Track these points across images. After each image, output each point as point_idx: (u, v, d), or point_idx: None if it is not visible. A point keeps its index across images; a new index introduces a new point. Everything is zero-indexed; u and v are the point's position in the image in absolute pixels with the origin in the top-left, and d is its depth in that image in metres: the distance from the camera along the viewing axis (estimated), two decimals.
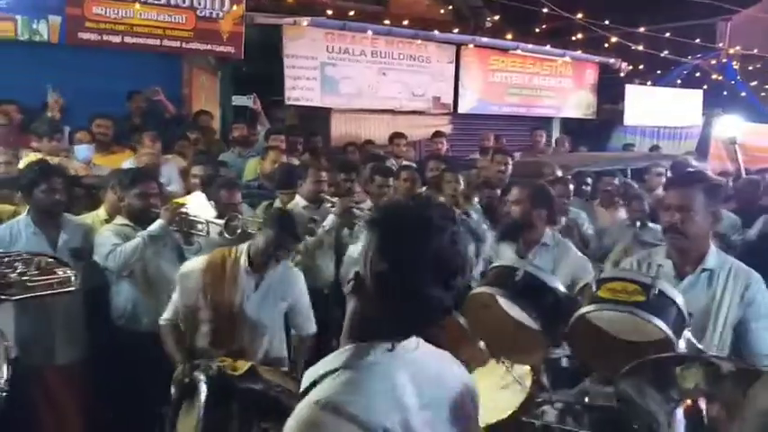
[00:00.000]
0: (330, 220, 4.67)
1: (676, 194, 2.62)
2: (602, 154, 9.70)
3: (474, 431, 1.49)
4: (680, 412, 1.52)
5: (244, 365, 3.02)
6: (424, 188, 6.07)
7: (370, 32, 9.31)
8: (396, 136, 7.96)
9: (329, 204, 4.80)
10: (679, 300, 2.17)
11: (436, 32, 9.97)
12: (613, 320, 2.23)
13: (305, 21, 8.56)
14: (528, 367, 2.65)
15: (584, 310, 2.18)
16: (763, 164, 11.27)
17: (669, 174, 6.28)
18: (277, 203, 5.04)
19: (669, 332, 2.05)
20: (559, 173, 5.93)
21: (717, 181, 6.59)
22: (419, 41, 9.85)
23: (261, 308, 3.41)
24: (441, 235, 1.32)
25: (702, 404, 1.51)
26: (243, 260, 3.41)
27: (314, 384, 1.34)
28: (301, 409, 1.29)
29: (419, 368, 1.38)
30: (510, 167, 6.10)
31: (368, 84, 9.46)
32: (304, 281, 3.66)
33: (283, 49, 8.56)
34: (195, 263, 3.49)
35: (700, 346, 2.19)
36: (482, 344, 2.58)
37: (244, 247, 3.46)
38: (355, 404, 1.26)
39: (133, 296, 4.00)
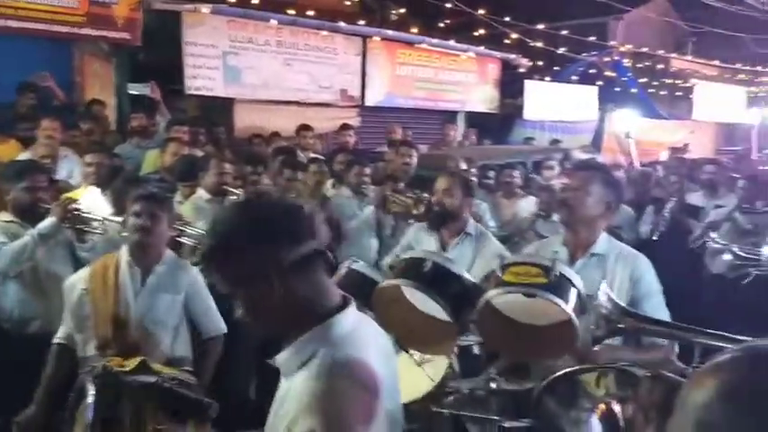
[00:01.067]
0: None
1: (575, 176, 2.78)
2: (505, 147, 9.97)
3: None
4: (594, 419, 1.54)
5: (134, 361, 2.88)
6: (331, 181, 6.03)
7: (274, 21, 9.11)
8: (303, 128, 7.84)
9: (234, 197, 4.63)
10: (577, 281, 2.26)
11: (342, 24, 9.89)
12: (518, 305, 2.30)
13: (205, 8, 8.27)
14: (443, 362, 2.66)
15: (490, 294, 2.23)
16: (654, 156, 11.96)
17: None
18: (178, 197, 4.81)
19: (570, 312, 2.14)
20: (463, 166, 6.01)
21: (618, 179, 6.91)
22: (325, 32, 9.74)
23: (152, 304, 3.24)
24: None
25: (617, 408, 1.53)
26: (125, 258, 3.24)
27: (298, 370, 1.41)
28: (306, 388, 1.34)
29: (370, 330, 1.53)
30: (415, 160, 6.14)
31: (273, 74, 9.27)
32: (200, 275, 3.47)
33: (183, 37, 8.23)
34: (79, 273, 3.34)
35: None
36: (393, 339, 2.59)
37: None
38: (351, 368, 1.37)
39: (21, 298, 3.72)
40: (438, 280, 2.35)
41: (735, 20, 16.55)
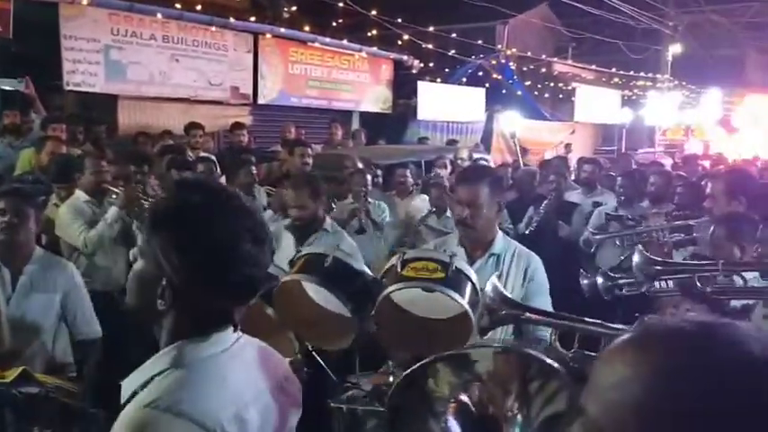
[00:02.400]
0: (112, 212, 4.29)
1: (465, 190, 2.79)
2: (399, 147, 10.08)
3: (296, 414, 1.50)
4: (451, 420, 1.57)
5: (14, 371, 2.68)
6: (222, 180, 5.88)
7: (159, 15, 8.77)
8: (192, 126, 7.59)
9: (114, 196, 4.40)
10: (473, 276, 2.33)
11: (232, 20, 9.67)
12: (416, 299, 2.34)
13: None
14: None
15: (390, 289, 2.25)
16: (539, 156, 12.48)
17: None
18: (54, 199, 4.53)
19: (466, 305, 2.20)
20: (360, 165, 6.04)
21: (500, 174, 7.15)
22: (214, 28, 9.48)
23: (26, 306, 3.05)
24: (231, 219, 1.31)
25: (464, 397, 1.56)
26: None
27: (138, 390, 1.27)
28: (128, 414, 1.22)
29: (246, 358, 1.38)
30: (311, 159, 6.11)
31: (159, 70, 8.92)
32: (77, 274, 3.30)
33: (60, 30, 7.76)
34: None
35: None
36: (291, 334, 2.59)
37: None
38: (188, 402, 1.22)
39: None
40: (338, 275, 2.37)
41: (611, 27, 17.63)
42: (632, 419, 0.75)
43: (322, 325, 2.49)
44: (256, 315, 2.43)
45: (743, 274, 2.62)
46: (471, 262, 2.78)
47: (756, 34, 21.53)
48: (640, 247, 2.82)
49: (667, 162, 10.78)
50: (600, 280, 2.85)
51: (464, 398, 1.60)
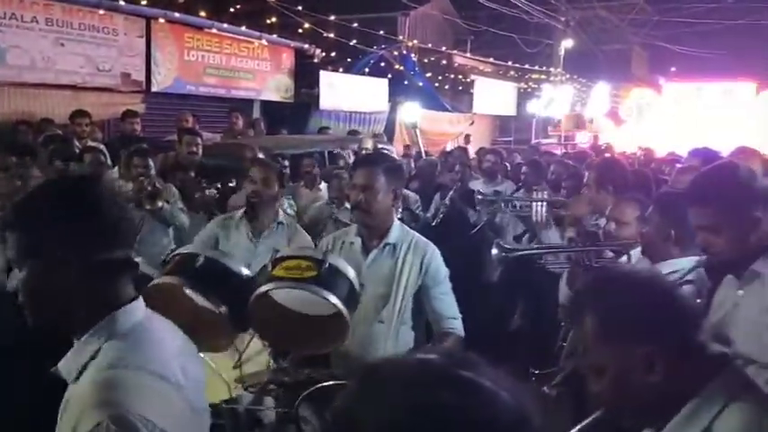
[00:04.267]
0: None
1: (360, 174, 2.74)
2: (301, 137, 9.93)
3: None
4: None
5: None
6: (114, 170, 5.56)
7: None
8: (77, 114, 7.11)
9: None
10: (350, 273, 2.30)
11: (122, 3, 9.17)
12: (291, 298, 2.32)
13: None
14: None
15: (260, 290, 2.22)
16: (440, 146, 12.69)
17: None
18: None
19: (340, 305, 2.18)
20: (261, 155, 5.87)
21: (399, 163, 7.19)
22: (102, 11, 8.95)
23: None
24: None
25: None
26: None
27: (82, 370, 1.31)
28: (89, 382, 1.25)
29: (162, 321, 1.49)
30: (200, 149, 5.88)
31: (42, 55, 8.34)
32: None
33: None
34: None
35: None
36: None
37: None
38: (143, 360, 1.29)
39: None
40: (212, 276, 2.29)
41: (507, 22, 18.15)
42: None
43: (199, 325, 2.33)
44: None
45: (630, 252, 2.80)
46: (367, 252, 2.76)
47: (641, 31, 22.80)
48: (499, 241, 2.96)
49: (560, 152, 11.25)
50: (494, 251, 2.92)
51: None
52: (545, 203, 4.85)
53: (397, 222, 2.85)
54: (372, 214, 2.72)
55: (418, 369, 0.79)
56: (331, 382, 2.24)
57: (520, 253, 3.00)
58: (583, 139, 18.51)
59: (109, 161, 5.55)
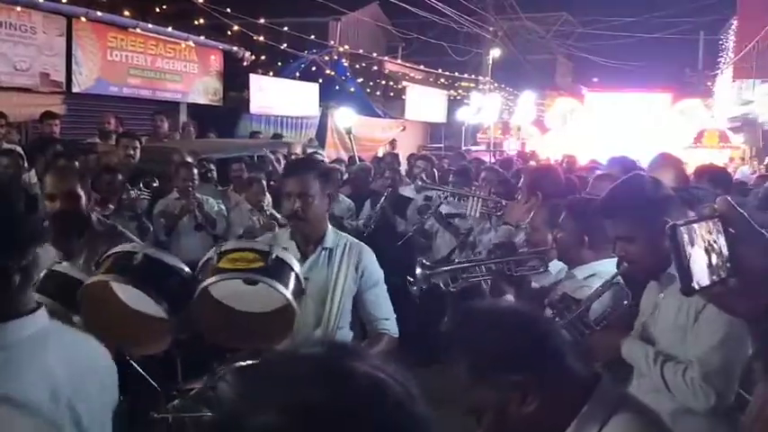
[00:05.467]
0: None
1: (295, 182, 2.71)
2: (230, 141, 9.77)
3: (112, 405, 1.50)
4: None
5: None
6: (31, 173, 5.33)
7: None
8: None
9: None
10: (295, 266, 2.29)
11: (41, 0, 8.80)
12: (236, 293, 2.27)
13: None
14: None
15: (206, 282, 2.17)
16: (372, 152, 12.74)
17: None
18: None
19: (288, 294, 2.16)
20: (189, 159, 5.74)
21: (332, 167, 7.14)
22: (20, 8, 8.56)
23: None
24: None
25: None
26: None
27: None
28: None
29: (63, 340, 1.41)
30: (138, 152, 5.74)
31: None
32: None
33: None
34: None
35: None
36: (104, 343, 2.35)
37: None
38: (4, 383, 1.24)
39: None
40: (151, 273, 2.22)
41: (437, 30, 18.43)
42: None
43: (135, 329, 2.33)
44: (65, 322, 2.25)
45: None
46: (304, 258, 2.73)
47: (565, 42, 23.59)
48: (422, 260, 3.00)
49: (489, 159, 11.50)
50: (418, 270, 2.94)
51: None
52: (480, 202, 4.88)
53: (330, 227, 2.85)
54: (309, 221, 2.71)
55: (292, 365, 0.77)
56: None
57: (443, 269, 3.02)
58: (511, 147, 18.97)
59: (26, 164, 5.33)
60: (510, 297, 2.80)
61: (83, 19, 9.51)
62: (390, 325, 2.74)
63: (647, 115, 18.65)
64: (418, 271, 3.02)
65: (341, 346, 0.81)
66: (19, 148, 5.87)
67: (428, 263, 3.06)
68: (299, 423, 0.70)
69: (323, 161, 3.64)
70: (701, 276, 0.91)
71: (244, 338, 2.35)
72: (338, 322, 2.69)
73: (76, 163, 5.07)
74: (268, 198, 5.35)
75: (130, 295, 2.27)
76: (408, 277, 3.00)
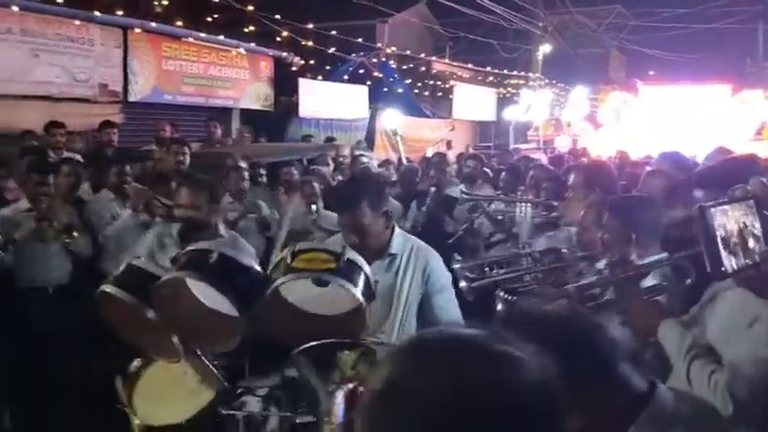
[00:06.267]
0: None
1: (347, 218, 2.69)
2: (279, 145, 9.93)
3: None
4: (340, 395, 1.55)
5: None
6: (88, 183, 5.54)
7: (15, 8, 8.13)
8: (52, 125, 7.08)
9: None
10: (366, 268, 2.27)
11: (98, 13, 9.13)
12: (306, 295, 2.27)
13: None
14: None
15: (279, 280, 2.17)
16: (421, 152, 12.73)
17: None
18: None
19: (360, 296, 2.14)
20: (242, 164, 5.86)
21: (380, 181, 7.19)
22: (78, 22, 8.90)
23: None
24: None
25: (360, 388, 1.55)
26: None
27: None
28: None
29: None
30: (188, 158, 5.89)
31: (17, 66, 8.27)
32: None
33: None
34: None
35: None
36: (175, 339, 2.42)
37: None
38: None
39: None
40: (225, 271, 2.24)
41: (485, 28, 18.29)
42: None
43: (208, 326, 2.37)
44: (135, 318, 2.33)
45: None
46: (369, 262, 2.63)
47: (618, 35, 23.06)
48: (464, 272, 2.92)
49: (540, 157, 11.33)
50: (462, 283, 2.89)
51: (360, 389, 1.59)
52: (529, 206, 4.80)
53: (397, 231, 2.80)
54: (369, 245, 2.66)
55: (461, 342, 0.85)
56: None
57: (485, 281, 2.94)
58: (562, 144, 18.67)
59: (84, 172, 5.53)
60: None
61: (138, 30, 9.83)
62: None
63: (705, 108, 18.06)
64: (462, 284, 2.98)
65: (494, 330, 0.88)
66: (78, 157, 6.11)
67: (471, 275, 3.01)
68: (467, 390, 0.78)
69: (365, 178, 3.53)
70: (733, 259, 0.89)
71: (312, 339, 2.32)
72: (404, 328, 2.66)
73: (128, 168, 5.27)
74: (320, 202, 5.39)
75: (204, 292, 2.31)
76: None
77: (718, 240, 0.86)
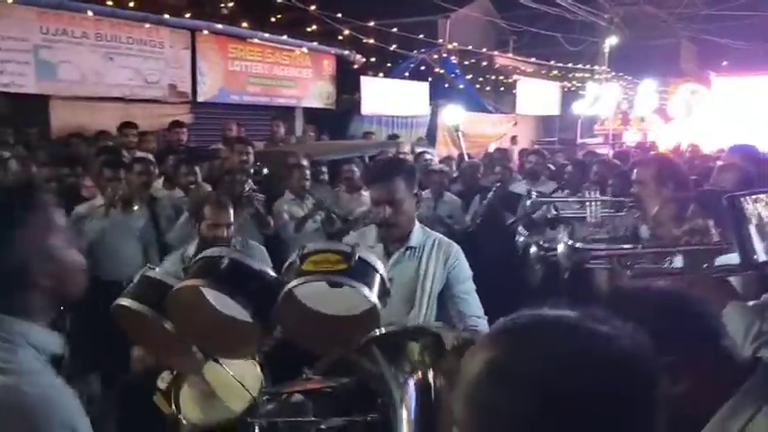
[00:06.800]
0: None
1: (381, 189, 2.71)
2: (341, 142, 10.03)
3: None
4: (411, 384, 1.56)
5: None
6: (161, 180, 5.75)
7: (90, 13, 8.49)
8: (125, 126, 7.38)
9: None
10: (380, 267, 2.23)
11: (167, 16, 9.43)
12: (320, 296, 2.23)
13: None
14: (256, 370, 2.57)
15: (290, 284, 2.12)
16: (483, 148, 12.63)
17: None
18: None
19: (373, 297, 2.11)
20: (305, 162, 5.96)
21: (413, 164, 7.20)
22: (149, 25, 9.23)
23: None
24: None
25: (430, 376, 1.56)
26: None
27: None
28: None
29: None
30: (252, 157, 6.03)
31: (93, 69, 8.64)
32: None
33: None
34: None
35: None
36: (195, 348, 2.43)
37: None
38: None
39: None
40: (237, 277, 2.21)
41: (549, 21, 17.94)
42: (467, 413, 0.86)
43: (226, 334, 2.33)
44: (154, 330, 2.30)
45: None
46: (388, 255, 2.73)
47: (689, 25, 22.22)
48: (564, 237, 2.82)
49: (607, 152, 11.06)
50: (533, 249, 2.83)
51: (431, 376, 1.60)
52: (598, 204, 4.66)
53: (418, 225, 2.83)
54: (401, 226, 2.72)
55: (559, 323, 0.90)
56: None
57: (598, 252, 2.79)
58: (630, 138, 18.15)
59: (156, 171, 5.74)
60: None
61: (205, 32, 10.10)
62: (481, 323, 2.68)
63: None
64: (533, 250, 2.91)
65: (592, 311, 0.92)
66: (150, 156, 6.34)
67: (545, 243, 2.93)
68: (571, 367, 0.83)
69: (402, 160, 3.53)
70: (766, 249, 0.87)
71: (328, 341, 2.34)
72: (427, 319, 2.68)
73: (197, 168, 5.44)
74: None
75: (219, 300, 2.27)
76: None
77: (751, 230, 0.86)
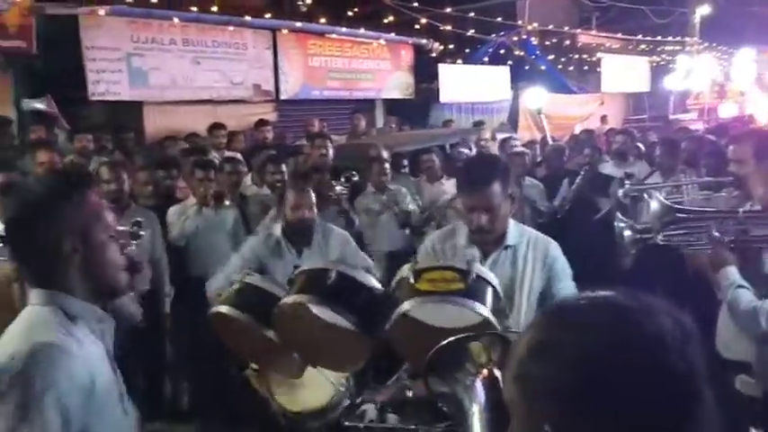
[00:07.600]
0: None
1: (478, 197, 2.56)
2: (421, 132, 10.00)
3: None
4: (479, 383, 1.56)
5: None
6: (249, 178, 5.93)
7: (176, 20, 8.84)
8: (214, 127, 7.65)
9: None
10: (494, 281, 2.18)
11: (249, 18, 9.70)
12: (433, 311, 2.15)
13: (102, 9, 7.93)
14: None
15: (405, 307, 2.07)
16: (568, 130, 12.31)
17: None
18: None
19: (490, 316, 2.04)
20: (386, 154, 6.00)
21: (505, 161, 7.09)
22: (232, 28, 9.52)
23: None
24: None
25: (497, 372, 1.55)
26: None
27: None
28: None
29: None
30: (330, 150, 6.12)
31: (181, 74, 9.00)
32: None
33: (82, 41, 7.87)
34: None
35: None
36: (296, 355, 2.46)
37: None
38: None
39: None
40: (344, 291, 2.18)
41: None
42: (517, 390, 0.91)
43: (332, 347, 2.31)
44: (252, 337, 2.34)
45: None
46: (485, 256, 2.65)
47: None
48: (657, 194, 2.72)
49: (700, 127, 10.53)
50: (627, 233, 2.75)
51: (497, 373, 1.60)
52: (695, 186, 4.41)
53: (512, 222, 2.72)
54: (495, 229, 2.60)
55: (607, 303, 0.93)
56: None
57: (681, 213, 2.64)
58: (727, 112, 17.19)
59: (246, 169, 5.93)
60: (732, 270, 2.54)
61: (285, 31, 10.32)
62: None
63: None
64: (627, 234, 2.83)
65: (631, 294, 0.94)
66: (239, 155, 6.55)
67: (639, 226, 2.86)
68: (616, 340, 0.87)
69: (495, 158, 3.42)
70: None
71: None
72: (528, 319, 2.58)
73: (283, 166, 5.58)
74: None
75: (327, 314, 2.25)
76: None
77: None
